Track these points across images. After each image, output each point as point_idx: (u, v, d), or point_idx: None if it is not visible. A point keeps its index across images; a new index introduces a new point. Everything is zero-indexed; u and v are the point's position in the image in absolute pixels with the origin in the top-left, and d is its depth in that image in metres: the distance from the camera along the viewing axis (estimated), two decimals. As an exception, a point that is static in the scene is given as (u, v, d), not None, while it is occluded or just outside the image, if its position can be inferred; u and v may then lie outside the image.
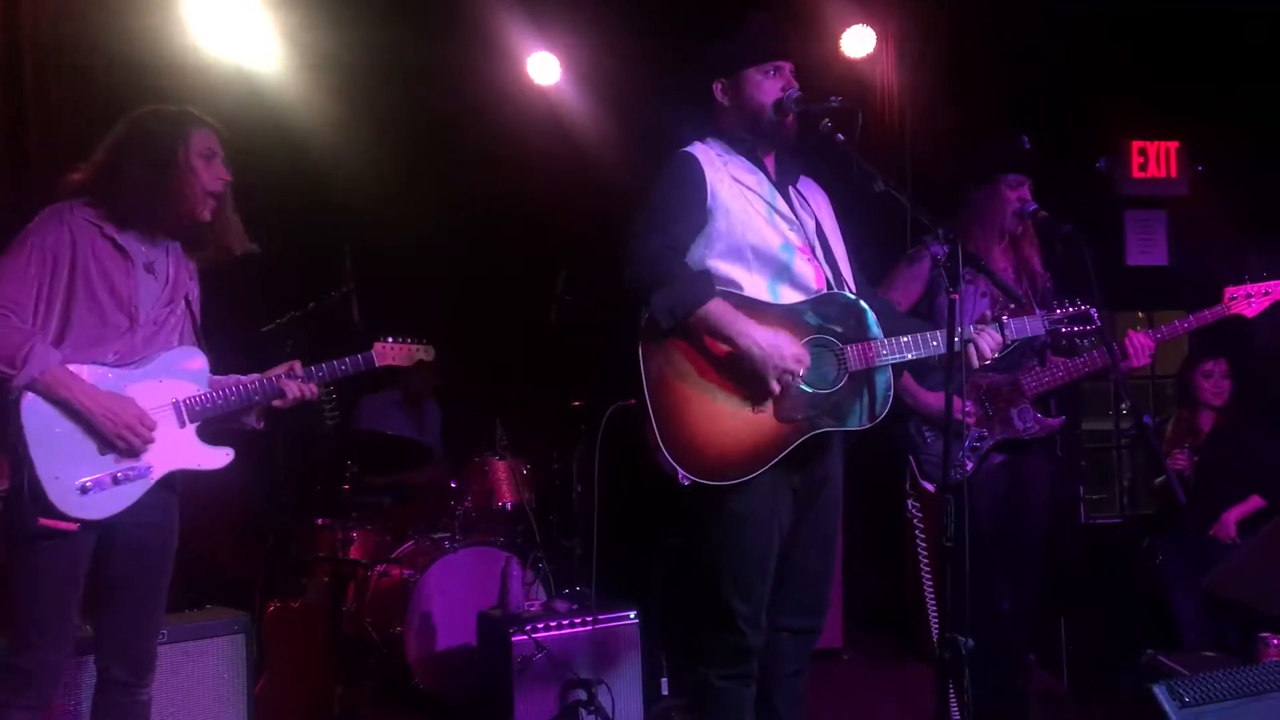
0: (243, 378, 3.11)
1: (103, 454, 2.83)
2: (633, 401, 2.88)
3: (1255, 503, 5.01)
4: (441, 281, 6.21)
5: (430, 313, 6.20)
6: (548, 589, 4.87)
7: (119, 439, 2.83)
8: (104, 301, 2.88)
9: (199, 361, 3.05)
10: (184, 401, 2.98)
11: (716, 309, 2.83)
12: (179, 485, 3.05)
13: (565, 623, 4.30)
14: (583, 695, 4.15)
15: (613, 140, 6.02)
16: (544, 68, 6.09)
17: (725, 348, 2.84)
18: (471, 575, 4.84)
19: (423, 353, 3.53)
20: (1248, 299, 3.79)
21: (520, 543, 5.10)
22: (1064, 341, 3.37)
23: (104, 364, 2.87)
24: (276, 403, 3.10)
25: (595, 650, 4.28)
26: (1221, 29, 5.81)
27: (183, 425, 2.98)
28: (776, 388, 2.82)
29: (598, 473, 3.98)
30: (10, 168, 4.59)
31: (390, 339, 3.45)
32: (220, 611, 3.91)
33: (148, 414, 2.89)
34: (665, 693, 4.65)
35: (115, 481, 2.84)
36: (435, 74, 5.87)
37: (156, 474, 2.91)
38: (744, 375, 2.84)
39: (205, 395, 3.01)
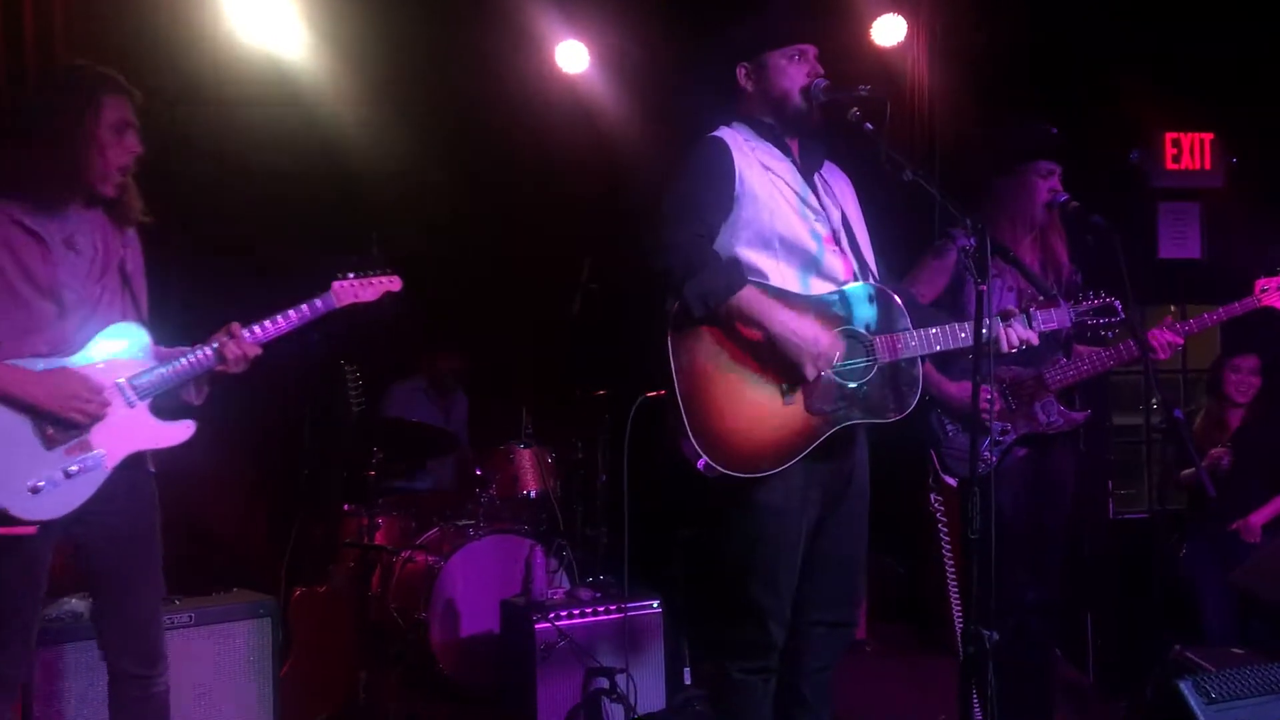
0: (191, 348, 2.93)
1: (50, 450, 2.70)
2: (661, 393, 2.84)
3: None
4: (468, 269, 6.23)
5: (456, 301, 6.24)
6: (571, 577, 4.89)
7: (69, 413, 2.68)
8: (24, 293, 2.73)
9: (139, 336, 2.88)
10: (128, 380, 2.82)
11: (750, 296, 2.80)
12: (150, 463, 2.92)
13: (588, 611, 4.31)
14: (605, 683, 4.16)
15: (641, 129, 6.01)
16: (573, 56, 6.08)
17: (758, 335, 2.81)
18: (495, 562, 4.86)
19: (388, 283, 3.22)
20: (1279, 290, 3.74)
21: (544, 531, 5.13)
22: (1088, 334, 3.33)
23: (37, 355, 2.73)
24: (220, 368, 2.91)
25: (618, 638, 4.29)
26: (1257, 19, 5.73)
27: (132, 405, 2.82)
28: (812, 373, 2.79)
29: (626, 464, 3.96)
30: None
31: (351, 275, 3.16)
32: (246, 595, 3.93)
33: (89, 378, 2.73)
34: (688, 682, 4.65)
35: (68, 476, 2.71)
36: (464, 63, 5.88)
37: (112, 461, 2.78)
38: (777, 364, 2.81)
39: (148, 369, 2.85)
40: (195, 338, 2.99)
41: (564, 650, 4.19)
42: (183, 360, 2.89)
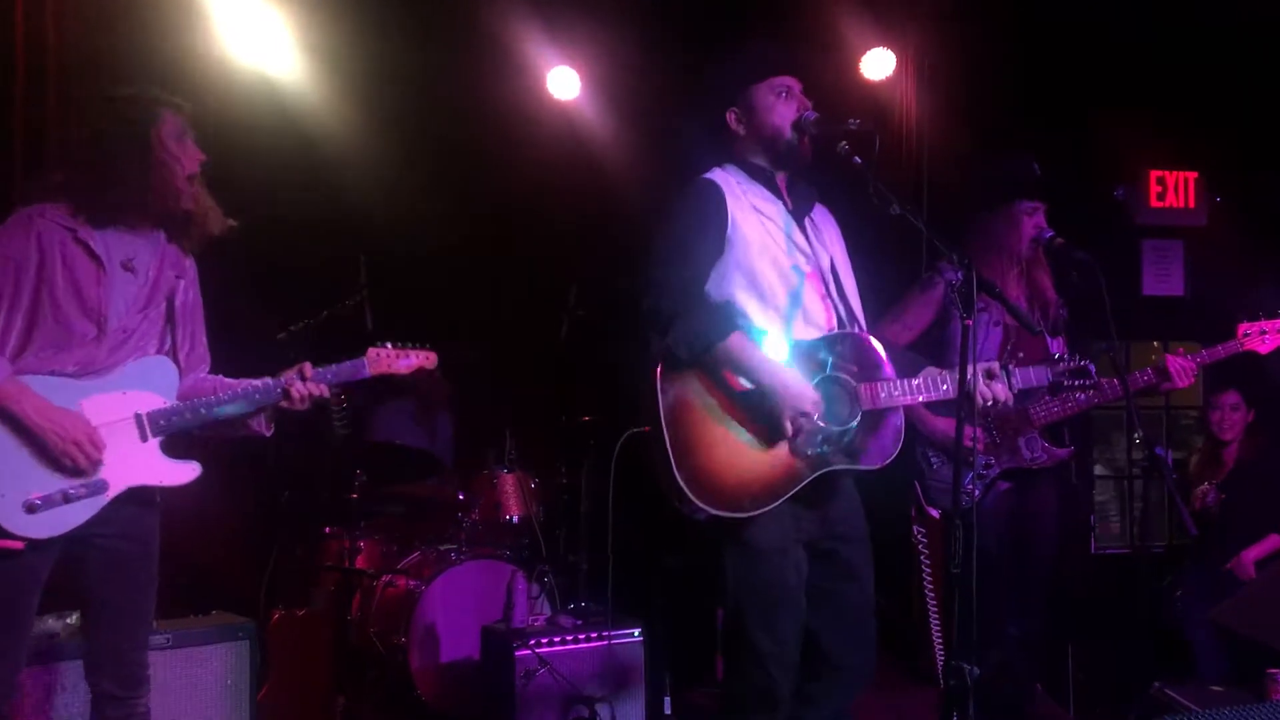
0: (223, 386, 2.94)
1: (54, 471, 2.71)
2: (647, 429, 2.83)
3: (1274, 542, 4.98)
4: (455, 292, 6.22)
5: (443, 323, 6.22)
6: (553, 604, 4.86)
7: (64, 456, 2.69)
8: (69, 311, 2.76)
9: (168, 373, 2.91)
10: (147, 415, 2.83)
11: (737, 343, 2.80)
12: (157, 496, 2.92)
13: (569, 638, 4.28)
14: (585, 712, 4.13)
15: (631, 157, 6.02)
16: (564, 83, 6.11)
17: (744, 383, 2.82)
18: (477, 588, 4.82)
19: (422, 359, 3.18)
20: (1261, 335, 3.77)
21: (526, 556, 5.10)
22: (1063, 385, 3.35)
23: (63, 374, 2.75)
24: (284, 404, 2.93)
25: (599, 667, 4.26)
26: (1243, 59, 5.80)
27: (145, 439, 2.83)
28: (790, 429, 2.79)
29: (612, 494, 3.94)
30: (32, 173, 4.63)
31: (388, 345, 3.13)
32: (225, 618, 3.91)
33: (97, 432, 2.74)
34: (668, 712, 4.63)
35: (66, 499, 2.71)
36: (455, 87, 5.89)
37: (113, 490, 2.78)
38: (761, 411, 2.81)
39: (171, 409, 2.86)
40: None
41: (544, 678, 4.16)
42: (203, 402, 2.89)
